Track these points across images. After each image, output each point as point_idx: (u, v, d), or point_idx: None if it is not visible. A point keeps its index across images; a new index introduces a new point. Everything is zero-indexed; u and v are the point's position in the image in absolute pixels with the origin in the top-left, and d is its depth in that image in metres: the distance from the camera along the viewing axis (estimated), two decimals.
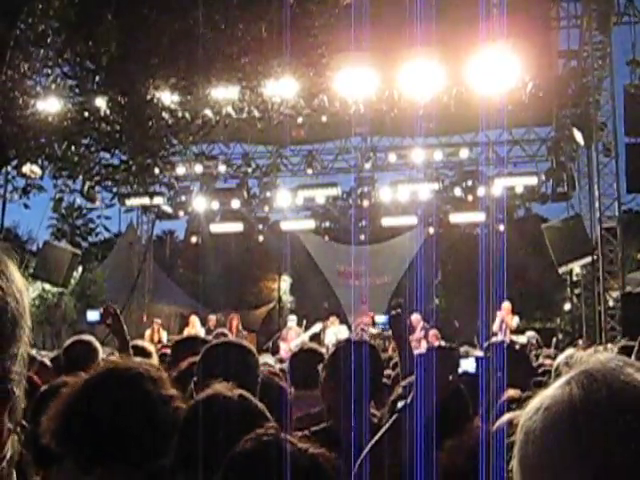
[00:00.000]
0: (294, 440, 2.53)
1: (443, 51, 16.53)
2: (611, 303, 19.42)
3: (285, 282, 38.50)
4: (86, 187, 23.07)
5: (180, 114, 17.60)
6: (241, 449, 2.50)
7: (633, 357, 5.64)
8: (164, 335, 20.33)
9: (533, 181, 23.18)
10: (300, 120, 20.44)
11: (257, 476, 2.38)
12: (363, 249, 26.94)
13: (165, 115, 16.94)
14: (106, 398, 2.88)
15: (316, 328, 20.42)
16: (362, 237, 27.04)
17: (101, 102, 16.23)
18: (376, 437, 3.45)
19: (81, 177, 20.84)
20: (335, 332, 19.44)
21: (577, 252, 20.05)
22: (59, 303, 26.05)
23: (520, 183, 23.31)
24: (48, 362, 7.35)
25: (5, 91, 14.14)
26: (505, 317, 18.85)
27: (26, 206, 19.26)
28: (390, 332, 13.45)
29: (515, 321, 19.18)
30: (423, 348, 16.84)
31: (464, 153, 24.04)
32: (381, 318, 19.56)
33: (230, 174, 25.76)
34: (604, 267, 19.31)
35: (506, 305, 18.71)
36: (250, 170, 25.57)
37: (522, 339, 19.14)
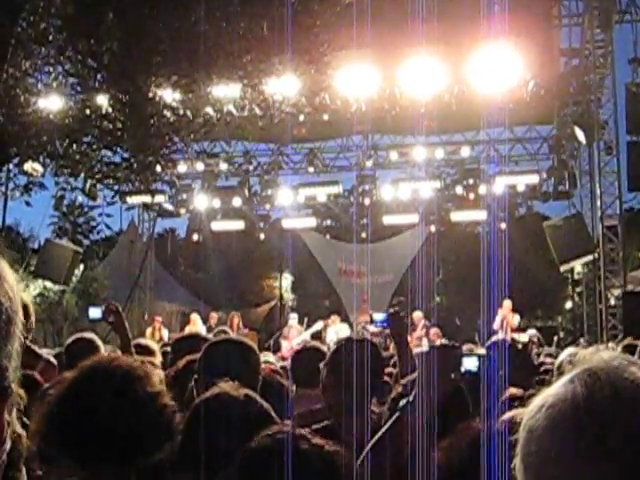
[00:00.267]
0: (309, 437, 2.54)
1: (445, 49, 16.53)
2: (612, 301, 19.42)
3: (286, 280, 38.51)
4: (88, 185, 23.06)
5: (182, 112, 17.60)
6: (257, 445, 2.50)
7: (637, 356, 5.65)
8: (165, 333, 20.33)
9: (534, 179, 23.16)
10: (301, 118, 20.43)
11: (272, 472, 2.38)
12: (364, 247, 26.91)
13: (167, 113, 16.94)
14: (88, 399, 2.84)
15: (317, 326, 20.42)
16: (363, 235, 27.02)
17: (103, 100, 16.24)
18: (378, 435, 3.45)
19: (83, 175, 20.84)
20: (336, 330, 19.44)
21: (578, 250, 20.04)
22: (60, 301, 26.03)
23: (521, 181, 23.29)
24: (53, 360, 7.34)
25: (7, 89, 14.16)
26: (506, 315, 18.85)
27: (28, 204, 19.35)
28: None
29: (516, 319, 19.19)
30: (424, 346, 16.85)
31: (465, 151, 24.03)
32: (379, 316, 19.56)
33: (231, 172, 25.76)
34: (605, 265, 19.30)
35: (507, 303, 18.70)
36: (251, 168, 25.56)
37: (523, 337, 19.13)
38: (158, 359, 6.90)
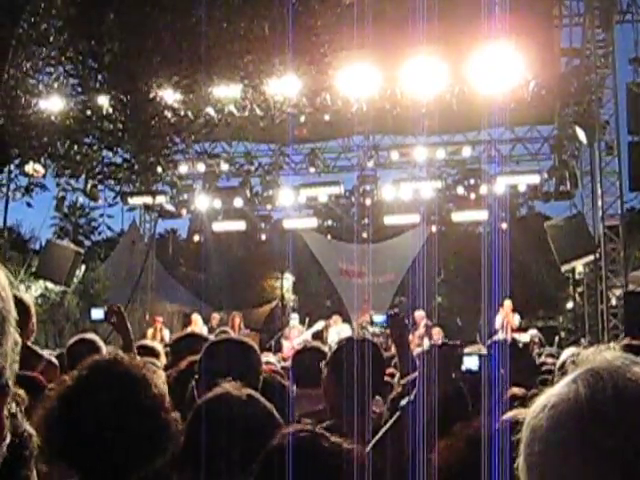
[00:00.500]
0: (329, 436, 2.55)
1: (445, 49, 16.53)
2: (614, 301, 19.42)
3: (287, 280, 38.54)
4: (89, 186, 23.07)
5: (183, 113, 17.59)
6: (278, 444, 2.51)
7: None
8: (166, 333, 20.33)
9: (535, 179, 23.16)
10: (303, 118, 20.43)
11: (293, 470, 2.39)
12: (365, 247, 26.95)
13: (168, 114, 16.93)
14: (87, 404, 2.84)
15: (319, 326, 20.45)
16: (364, 235, 27.06)
17: (104, 101, 16.23)
18: (379, 435, 3.46)
19: (84, 176, 20.83)
20: (338, 331, 19.45)
21: (579, 250, 20.03)
22: (62, 302, 26.06)
23: (522, 181, 23.29)
24: (55, 360, 7.34)
25: (8, 90, 14.15)
26: (508, 315, 18.87)
27: (29, 205, 19.31)
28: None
29: (516, 319, 19.21)
30: (425, 345, 16.86)
31: (466, 151, 24.04)
32: (379, 317, 19.56)
33: (232, 172, 25.76)
34: (607, 265, 19.31)
35: (508, 303, 18.72)
36: (252, 168, 25.56)
37: (524, 337, 19.14)
38: (162, 361, 6.90)
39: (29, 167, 19.02)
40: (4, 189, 19.68)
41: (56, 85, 16.28)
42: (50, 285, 24.38)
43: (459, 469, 2.62)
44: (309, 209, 28.39)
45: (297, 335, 19.70)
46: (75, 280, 24.70)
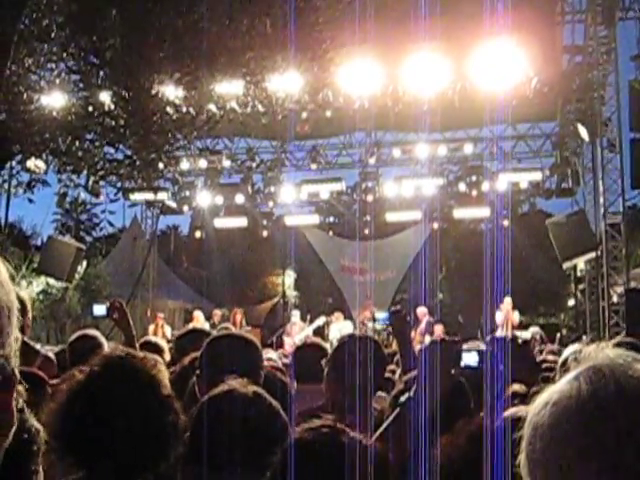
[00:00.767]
0: (350, 432, 2.55)
1: (447, 46, 16.52)
2: (615, 299, 19.44)
3: (289, 277, 38.55)
4: (90, 182, 23.08)
5: (184, 109, 17.57)
6: (300, 438, 2.52)
7: None
8: (168, 330, 20.35)
9: (537, 176, 23.16)
10: (304, 115, 20.43)
11: (315, 465, 2.40)
12: (367, 244, 26.94)
13: (169, 110, 16.92)
14: (97, 401, 2.83)
15: (320, 321, 20.48)
16: (366, 232, 27.03)
17: (105, 97, 16.23)
18: (379, 430, 3.46)
19: (85, 172, 20.85)
20: (340, 328, 19.45)
21: (581, 248, 20.04)
22: (63, 298, 26.07)
23: (524, 178, 23.29)
24: (52, 356, 7.36)
25: (9, 86, 14.14)
26: (509, 312, 18.87)
27: (30, 201, 19.32)
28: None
29: (516, 316, 19.22)
30: (427, 342, 16.88)
31: (468, 148, 24.01)
32: (381, 314, 19.56)
33: (234, 169, 25.78)
34: (608, 263, 19.33)
35: (508, 300, 18.70)
36: (254, 165, 25.55)
37: (526, 334, 19.15)
38: (166, 357, 6.91)
39: (31, 163, 19.04)
40: (6, 185, 19.70)
41: (58, 81, 16.27)
42: (51, 281, 24.39)
43: (461, 465, 2.63)
44: (311, 206, 28.34)
45: (298, 331, 19.72)
46: (76, 276, 24.71)
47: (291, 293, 38.91)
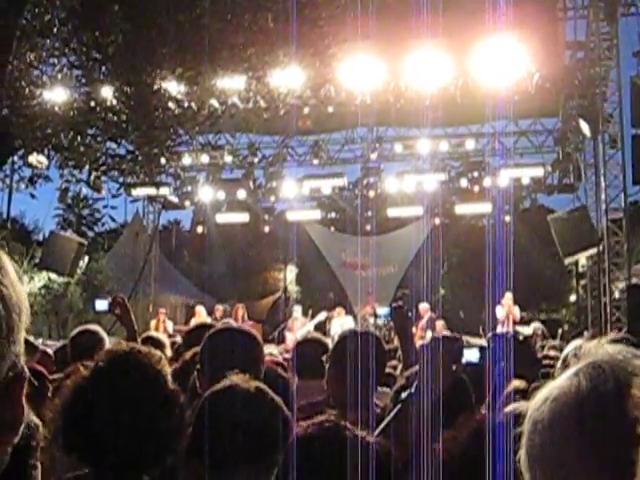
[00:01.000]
0: (353, 428, 2.56)
1: (449, 42, 16.50)
2: (617, 294, 19.43)
3: (291, 272, 38.54)
4: (92, 177, 23.07)
5: (186, 104, 17.57)
6: (303, 434, 2.52)
7: None
8: (169, 325, 20.36)
9: (539, 172, 23.16)
10: (306, 110, 20.42)
11: (317, 460, 2.41)
12: (369, 240, 26.95)
13: (171, 105, 16.91)
14: (103, 397, 2.83)
15: (321, 316, 20.48)
16: (368, 228, 27.05)
17: (107, 92, 16.22)
18: (381, 426, 3.47)
19: (87, 167, 20.80)
20: (341, 323, 19.44)
21: (583, 243, 20.03)
22: (65, 293, 26.11)
23: (526, 174, 23.30)
24: (50, 351, 7.41)
25: (11, 81, 14.15)
26: (511, 308, 18.87)
27: (32, 196, 19.33)
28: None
29: (517, 311, 19.22)
30: (428, 337, 16.89)
31: (470, 144, 24.01)
32: (383, 310, 19.57)
33: (236, 164, 25.77)
34: (610, 258, 19.32)
35: (509, 296, 18.70)
36: (256, 160, 25.56)
37: (527, 330, 19.18)
38: (168, 352, 6.92)
39: (33, 158, 19.04)
40: (7, 180, 19.71)
41: (60, 76, 16.27)
42: (53, 276, 24.43)
43: (462, 461, 2.64)
44: (312, 201, 28.38)
45: (300, 327, 19.72)
46: (78, 271, 24.72)
47: (293, 288, 38.95)
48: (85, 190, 25.13)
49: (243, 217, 26.28)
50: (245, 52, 14.49)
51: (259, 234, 31.91)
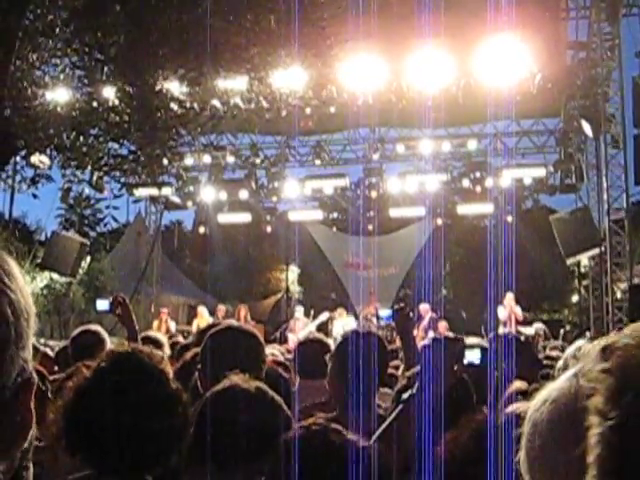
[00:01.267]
0: (342, 431, 2.55)
1: (451, 42, 16.49)
2: (619, 295, 19.41)
3: (293, 273, 38.51)
4: (94, 177, 23.10)
5: (188, 105, 17.60)
6: (290, 437, 2.52)
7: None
8: (172, 325, 20.37)
9: (541, 172, 23.15)
10: (308, 111, 20.42)
11: (303, 463, 2.40)
12: (371, 240, 26.95)
13: (173, 106, 16.95)
14: (105, 397, 2.82)
15: (323, 317, 20.45)
16: (370, 228, 27.04)
17: (110, 92, 16.25)
18: (382, 427, 3.47)
19: (89, 167, 20.81)
20: (343, 324, 19.44)
21: (585, 244, 20.02)
22: (67, 293, 26.10)
23: (528, 174, 23.28)
24: (50, 352, 7.44)
25: (14, 81, 14.16)
26: (513, 308, 18.86)
27: (35, 196, 19.33)
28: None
29: (518, 311, 19.20)
30: (429, 338, 16.86)
31: (472, 144, 24.00)
32: (385, 312, 19.54)
33: (238, 165, 25.76)
34: (612, 259, 19.30)
35: (510, 296, 18.68)
36: (258, 161, 25.55)
37: (529, 330, 19.16)
38: (166, 352, 6.93)
39: (35, 158, 19.05)
40: (10, 180, 19.73)
41: (62, 77, 16.30)
42: (55, 276, 24.43)
43: (464, 462, 2.64)
44: (314, 201, 28.36)
45: (302, 327, 19.70)
46: (80, 271, 24.74)
47: (295, 289, 38.91)
48: (87, 190, 25.15)
49: (245, 217, 26.28)
50: (247, 53, 14.52)
51: (261, 234, 31.92)
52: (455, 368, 3.47)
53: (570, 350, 6.58)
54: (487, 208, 24.27)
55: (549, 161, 23.85)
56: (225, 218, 26.28)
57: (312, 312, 21.49)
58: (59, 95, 16.55)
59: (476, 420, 2.79)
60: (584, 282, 27.17)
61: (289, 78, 17.25)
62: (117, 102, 16.27)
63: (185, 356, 5.16)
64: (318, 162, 25.26)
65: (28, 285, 1.37)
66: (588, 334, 19.28)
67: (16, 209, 24.89)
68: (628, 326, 1.39)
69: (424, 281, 20.65)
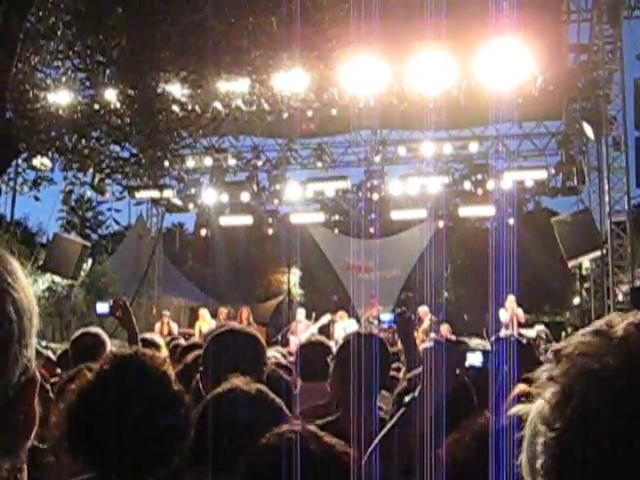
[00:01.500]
0: (320, 436, 2.54)
1: (453, 44, 16.49)
2: (620, 297, 19.42)
3: (294, 275, 38.51)
4: (96, 180, 23.12)
5: (190, 107, 17.61)
6: (265, 443, 2.51)
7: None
8: (174, 327, 20.35)
9: (543, 175, 23.14)
10: (310, 113, 20.44)
11: (280, 472, 2.39)
12: (372, 242, 26.94)
13: (175, 108, 16.96)
14: (108, 399, 2.82)
15: (325, 319, 20.43)
16: (372, 230, 27.04)
17: (111, 95, 16.26)
18: (384, 430, 3.47)
19: (91, 170, 20.84)
20: (344, 326, 19.42)
21: (586, 246, 20.02)
22: (69, 295, 26.08)
23: (530, 177, 23.27)
24: (53, 357, 7.45)
25: (16, 84, 14.17)
26: (515, 310, 18.85)
27: (36, 198, 19.37)
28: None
29: (520, 313, 19.19)
30: (429, 340, 16.83)
31: (474, 147, 23.99)
32: (387, 316, 19.51)
33: (240, 167, 25.76)
34: (613, 261, 19.30)
35: (512, 298, 18.66)
36: (260, 163, 25.57)
37: (531, 333, 19.15)
38: (163, 353, 6.93)
39: (37, 161, 19.06)
40: (11, 183, 19.74)
41: (64, 79, 16.31)
42: (57, 279, 24.41)
43: (465, 465, 2.63)
44: (316, 204, 28.39)
45: (304, 329, 19.69)
46: (82, 274, 24.73)
47: (296, 291, 38.89)
48: (89, 193, 25.23)
49: (247, 220, 26.28)
50: (249, 55, 14.53)
51: (262, 237, 31.94)
52: (457, 371, 3.47)
53: None
54: (489, 210, 24.26)
55: (550, 163, 23.85)
56: (226, 221, 26.29)
57: (314, 315, 21.46)
58: (61, 98, 16.55)
59: (477, 423, 2.79)
60: (585, 284, 27.17)
61: (291, 80, 17.26)
62: (119, 105, 16.29)
63: (186, 359, 5.16)
64: (320, 164, 25.26)
65: (30, 287, 1.38)
66: None
67: (18, 211, 24.91)
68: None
69: (426, 284, 20.65)
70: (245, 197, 24.71)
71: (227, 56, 14.23)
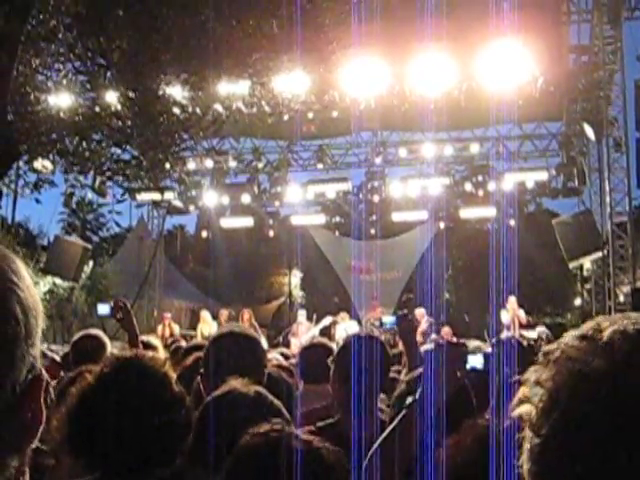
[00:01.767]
0: (302, 435, 2.54)
1: (454, 46, 16.50)
2: (622, 298, 19.43)
3: (295, 277, 38.54)
4: (97, 182, 23.11)
5: (191, 109, 17.60)
6: (247, 443, 2.51)
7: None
8: (176, 328, 20.35)
9: (544, 176, 23.15)
10: (310, 115, 20.44)
11: (262, 471, 2.40)
12: (373, 244, 26.94)
13: (176, 110, 16.95)
14: (109, 401, 2.83)
15: (326, 321, 20.43)
16: (372, 232, 27.05)
17: (112, 97, 16.26)
18: (385, 432, 3.47)
19: (92, 172, 20.83)
20: (345, 328, 19.41)
21: (588, 247, 20.03)
22: (70, 297, 26.09)
23: (530, 178, 23.27)
24: (58, 358, 7.44)
25: (17, 86, 14.17)
26: (516, 311, 18.83)
27: (37, 201, 19.38)
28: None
29: (522, 314, 19.17)
30: (430, 342, 16.82)
31: (474, 148, 24.01)
32: (388, 319, 19.49)
33: (240, 169, 25.80)
34: (614, 262, 19.31)
35: (513, 299, 18.65)
36: (261, 165, 25.59)
37: (533, 334, 19.12)
38: (161, 355, 6.94)
39: (38, 163, 19.06)
40: (13, 185, 19.74)
41: (65, 82, 16.31)
42: (58, 281, 24.42)
43: (466, 467, 2.64)
44: (317, 205, 28.35)
45: (305, 331, 19.68)
46: (83, 276, 24.74)
47: (297, 293, 38.92)
48: (90, 195, 25.20)
49: (247, 222, 26.29)
50: (249, 57, 14.54)
51: (263, 239, 31.94)
52: (458, 374, 3.47)
53: None
54: (489, 212, 24.27)
55: (551, 164, 23.88)
56: (227, 222, 26.31)
57: (315, 316, 21.46)
58: (62, 100, 16.56)
59: (478, 425, 2.79)
60: (587, 285, 27.19)
61: (291, 82, 17.26)
62: (120, 107, 16.28)
63: (186, 361, 5.17)
64: (320, 166, 25.28)
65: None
66: None
67: (19, 214, 24.97)
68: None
69: (426, 285, 20.64)
70: (246, 199, 24.72)
71: (228, 58, 14.23)
